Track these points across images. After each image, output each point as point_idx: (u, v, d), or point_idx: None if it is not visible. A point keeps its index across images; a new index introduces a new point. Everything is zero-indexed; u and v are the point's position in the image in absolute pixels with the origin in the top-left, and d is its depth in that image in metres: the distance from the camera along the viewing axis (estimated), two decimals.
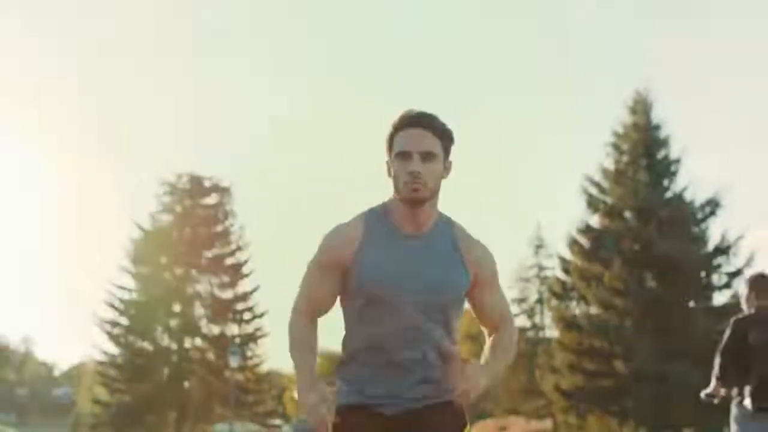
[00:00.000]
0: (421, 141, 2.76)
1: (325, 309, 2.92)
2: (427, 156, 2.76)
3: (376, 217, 2.87)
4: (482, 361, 2.88)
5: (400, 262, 2.78)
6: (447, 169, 2.85)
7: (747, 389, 5.82)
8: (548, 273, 39.65)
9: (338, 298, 2.91)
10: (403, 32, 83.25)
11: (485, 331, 3.00)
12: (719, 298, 28.64)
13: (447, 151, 2.84)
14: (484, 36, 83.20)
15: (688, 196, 28.97)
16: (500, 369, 2.91)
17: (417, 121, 2.79)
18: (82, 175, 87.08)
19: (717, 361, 5.90)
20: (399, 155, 2.77)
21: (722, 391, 5.93)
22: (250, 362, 36.19)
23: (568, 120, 69.89)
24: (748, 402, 5.79)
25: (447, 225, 2.87)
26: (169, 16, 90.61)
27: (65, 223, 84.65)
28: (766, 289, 5.97)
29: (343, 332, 2.93)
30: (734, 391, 5.89)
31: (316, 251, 2.88)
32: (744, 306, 6.10)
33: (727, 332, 5.98)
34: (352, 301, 2.84)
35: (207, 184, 37.48)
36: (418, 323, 2.77)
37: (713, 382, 5.96)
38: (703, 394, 6.14)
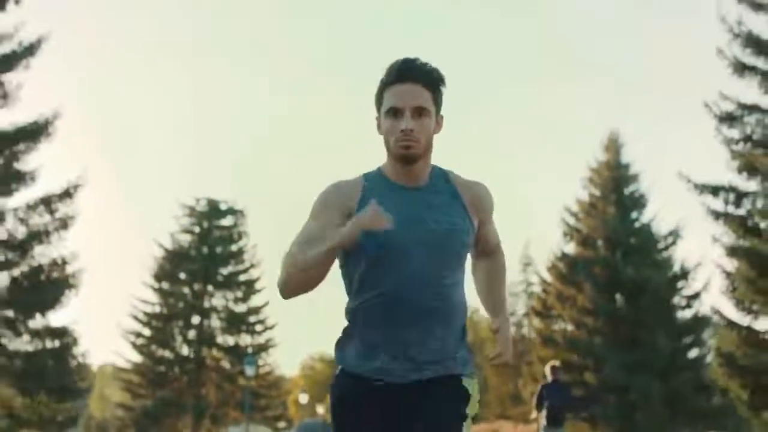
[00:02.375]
0: (412, 97, 2.71)
1: None
2: (418, 112, 2.72)
3: (373, 175, 2.85)
4: (487, 293, 3.08)
5: (404, 211, 2.74)
6: (439, 123, 2.81)
7: (543, 415, 12.00)
8: (535, 289, 43.94)
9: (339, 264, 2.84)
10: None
11: (474, 254, 3.05)
12: (680, 318, 32.82)
13: (438, 105, 2.79)
14: (485, 51, 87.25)
15: (652, 226, 33.49)
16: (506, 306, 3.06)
17: (407, 75, 2.73)
18: (110, 201, 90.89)
19: (534, 400, 11.56)
20: (390, 112, 2.73)
21: (538, 416, 11.64)
22: (261, 370, 39.13)
23: (562, 148, 74.43)
24: (544, 422, 11.99)
25: (443, 175, 2.86)
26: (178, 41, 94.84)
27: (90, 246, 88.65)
28: (556, 372, 12.33)
29: (347, 299, 2.86)
30: (541, 415, 11.49)
31: (314, 205, 2.82)
32: (547, 375, 12.34)
33: (538, 389, 12.31)
34: (357, 257, 2.77)
35: (223, 207, 40.54)
36: (428, 271, 2.73)
37: (534, 412, 11.62)
38: (531, 417, 12.40)
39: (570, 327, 33.46)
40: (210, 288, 39.70)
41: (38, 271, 20.58)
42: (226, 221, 40.78)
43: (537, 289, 39.99)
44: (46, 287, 20.36)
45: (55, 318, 21.42)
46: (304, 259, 2.65)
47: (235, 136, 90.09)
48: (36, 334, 20.70)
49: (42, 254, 20.69)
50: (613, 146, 34.14)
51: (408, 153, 2.73)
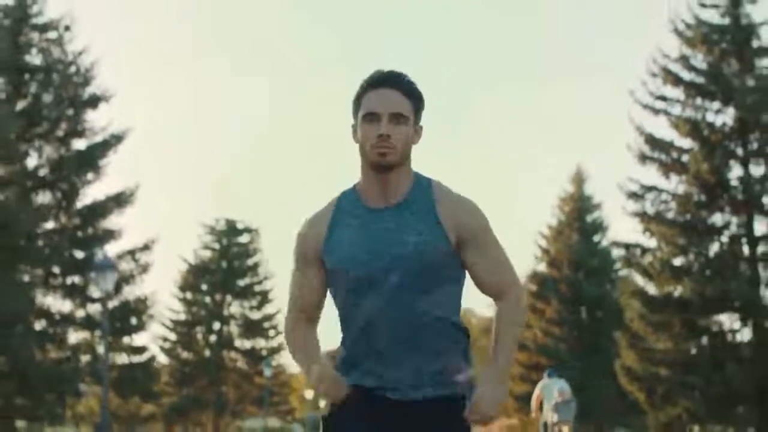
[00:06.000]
0: (390, 102, 2.76)
1: (314, 306, 2.91)
2: (396, 118, 2.75)
3: (346, 197, 2.88)
4: (492, 357, 2.85)
5: (365, 239, 2.78)
6: (417, 133, 2.84)
7: None
8: None
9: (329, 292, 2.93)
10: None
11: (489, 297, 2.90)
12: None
13: (417, 114, 2.83)
14: (485, 51, 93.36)
15: (611, 250, 41.47)
16: (509, 365, 2.85)
17: (386, 80, 2.79)
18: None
19: None
20: (367, 117, 2.77)
21: None
22: (275, 370, 44.94)
23: (548, 172, 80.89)
24: None
25: (425, 188, 2.84)
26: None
27: None
28: None
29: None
30: None
31: (293, 255, 2.92)
32: None
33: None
34: (333, 290, 2.87)
35: (240, 226, 46.65)
36: (399, 300, 2.74)
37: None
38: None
39: (540, 335, 41.66)
40: (229, 298, 45.74)
41: (126, 304, 29.18)
42: (243, 239, 47.03)
43: None
44: (132, 316, 29.04)
45: (138, 339, 30.24)
46: (295, 356, 2.94)
47: (237, 146, 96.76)
48: (125, 350, 29.41)
49: (129, 292, 29.37)
50: (578, 179, 42.32)
51: (383, 160, 2.75)
